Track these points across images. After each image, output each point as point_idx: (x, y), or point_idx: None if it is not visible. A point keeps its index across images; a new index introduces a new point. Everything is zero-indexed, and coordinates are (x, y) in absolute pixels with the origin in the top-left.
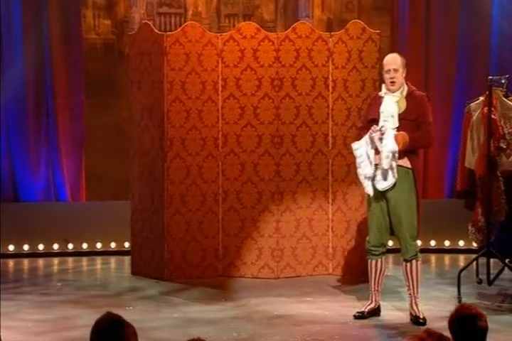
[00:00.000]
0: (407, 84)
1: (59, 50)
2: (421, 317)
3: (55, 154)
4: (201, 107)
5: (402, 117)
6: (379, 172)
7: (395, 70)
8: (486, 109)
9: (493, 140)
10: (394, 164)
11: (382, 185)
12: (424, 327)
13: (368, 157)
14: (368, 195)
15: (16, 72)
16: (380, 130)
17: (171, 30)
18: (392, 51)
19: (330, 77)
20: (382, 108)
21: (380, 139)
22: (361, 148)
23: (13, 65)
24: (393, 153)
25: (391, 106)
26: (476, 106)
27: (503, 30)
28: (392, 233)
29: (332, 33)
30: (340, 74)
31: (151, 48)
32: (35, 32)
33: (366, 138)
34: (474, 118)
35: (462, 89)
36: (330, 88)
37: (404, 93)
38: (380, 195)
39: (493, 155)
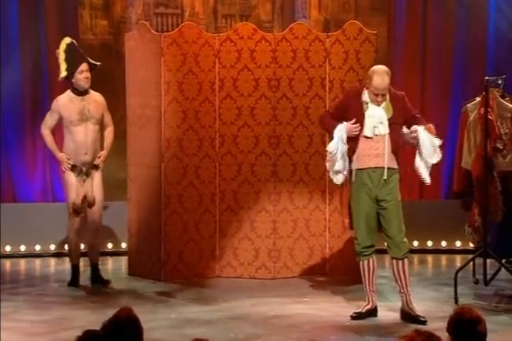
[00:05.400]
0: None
1: (56, 50)
2: (421, 315)
3: (52, 154)
4: (198, 108)
5: (392, 122)
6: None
7: (383, 95)
8: (482, 110)
9: (489, 140)
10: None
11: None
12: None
13: (342, 154)
14: (356, 196)
15: (12, 73)
16: (412, 132)
17: (167, 31)
18: (388, 52)
19: (327, 77)
20: (370, 113)
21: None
22: (336, 148)
23: (10, 66)
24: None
25: (379, 111)
26: (473, 106)
27: (500, 31)
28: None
29: (329, 34)
30: (337, 74)
31: (147, 49)
32: (32, 32)
33: (342, 138)
34: (471, 118)
35: (459, 90)
36: (327, 88)
37: (388, 97)
38: (370, 195)
39: (490, 155)
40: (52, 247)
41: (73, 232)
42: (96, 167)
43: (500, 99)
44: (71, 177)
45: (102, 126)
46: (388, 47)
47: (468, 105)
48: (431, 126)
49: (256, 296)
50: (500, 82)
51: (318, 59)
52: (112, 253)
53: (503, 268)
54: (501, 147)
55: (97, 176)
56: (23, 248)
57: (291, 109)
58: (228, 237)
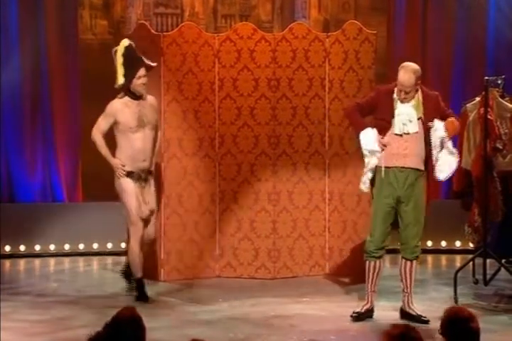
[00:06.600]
0: (419, 85)
1: (55, 50)
2: (423, 315)
3: (51, 154)
4: (198, 108)
5: (422, 122)
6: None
7: (406, 92)
8: (482, 110)
9: (489, 140)
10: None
11: (444, 175)
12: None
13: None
14: (379, 194)
15: (12, 73)
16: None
17: (167, 31)
18: (387, 52)
19: (326, 77)
20: (399, 111)
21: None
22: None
23: (10, 65)
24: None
25: (409, 109)
26: (473, 106)
27: (499, 31)
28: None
29: (329, 34)
30: (336, 74)
31: (147, 49)
32: (31, 32)
33: (374, 135)
34: (471, 118)
35: (458, 90)
36: (326, 88)
37: (420, 98)
38: (393, 195)
39: (490, 155)
40: (52, 247)
41: (137, 243)
42: (151, 173)
43: (500, 99)
44: (129, 184)
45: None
46: (388, 47)
47: (467, 105)
48: (454, 120)
49: (256, 296)
50: (499, 82)
51: (317, 59)
52: (111, 253)
53: (502, 268)
54: (501, 147)
55: (152, 183)
56: (22, 248)
57: (291, 109)
58: (228, 237)
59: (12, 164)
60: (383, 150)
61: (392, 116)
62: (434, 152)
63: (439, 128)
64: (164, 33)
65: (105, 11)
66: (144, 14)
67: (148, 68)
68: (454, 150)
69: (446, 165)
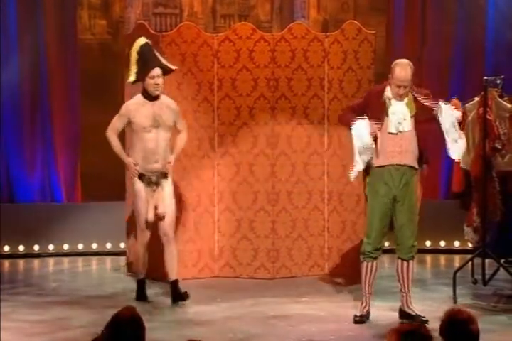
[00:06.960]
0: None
1: (55, 50)
2: (422, 315)
3: (50, 154)
4: (197, 108)
5: (415, 120)
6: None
7: (405, 87)
8: (481, 110)
9: (488, 140)
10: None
11: (458, 154)
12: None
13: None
14: (374, 195)
15: (11, 73)
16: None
17: (166, 31)
18: (386, 52)
19: (325, 77)
20: (393, 110)
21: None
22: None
23: (9, 65)
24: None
25: (402, 107)
26: (472, 106)
27: (498, 31)
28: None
29: (328, 34)
30: (335, 74)
31: None
32: (30, 32)
33: (367, 124)
34: (470, 118)
35: (457, 90)
36: (326, 88)
37: (412, 96)
38: (389, 195)
39: (489, 155)
40: (51, 247)
41: (143, 247)
42: (165, 175)
43: (499, 99)
44: (140, 188)
45: (173, 132)
46: (387, 47)
47: (466, 105)
48: (455, 101)
49: (255, 296)
50: (498, 81)
51: (316, 59)
52: (110, 253)
53: (501, 268)
54: (500, 147)
55: (167, 184)
56: (21, 248)
57: (290, 109)
58: (227, 237)
59: (11, 164)
60: (376, 140)
61: (386, 115)
62: (452, 134)
63: (447, 109)
64: (163, 33)
65: (104, 11)
66: (142, 14)
67: (167, 70)
68: (462, 134)
69: (460, 147)
